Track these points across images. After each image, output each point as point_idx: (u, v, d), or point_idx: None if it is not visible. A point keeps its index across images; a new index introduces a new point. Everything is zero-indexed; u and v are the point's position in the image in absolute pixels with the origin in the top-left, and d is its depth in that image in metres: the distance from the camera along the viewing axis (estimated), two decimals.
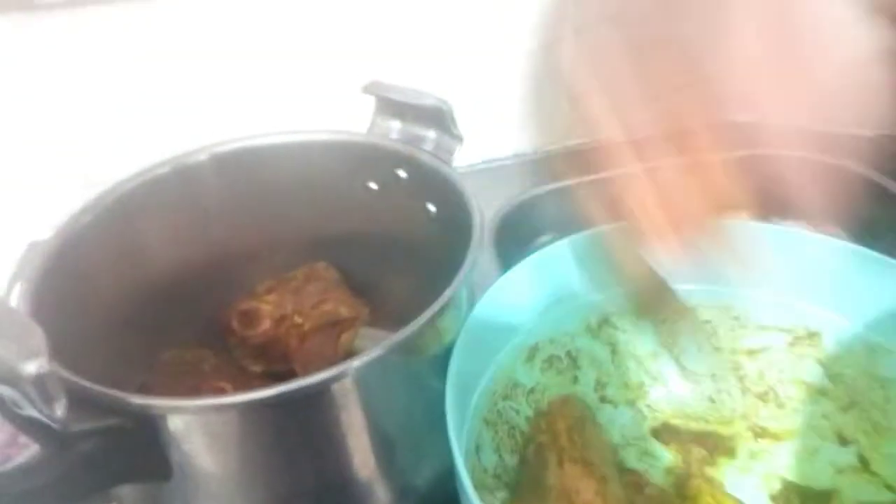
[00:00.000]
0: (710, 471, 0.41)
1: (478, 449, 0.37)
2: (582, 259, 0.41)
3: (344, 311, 0.48)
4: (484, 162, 0.68)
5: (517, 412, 0.40)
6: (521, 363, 0.40)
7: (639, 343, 0.44)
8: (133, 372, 0.42)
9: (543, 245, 0.63)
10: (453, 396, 0.33)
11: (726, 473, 0.41)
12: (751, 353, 0.42)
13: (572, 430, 0.39)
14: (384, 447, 0.36)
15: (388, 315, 0.48)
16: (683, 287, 0.41)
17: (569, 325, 0.42)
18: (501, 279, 0.39)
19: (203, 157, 0.44)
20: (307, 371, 0.44)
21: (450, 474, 0.38)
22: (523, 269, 0.40)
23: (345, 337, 0.46)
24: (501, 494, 0.38)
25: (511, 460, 0.39)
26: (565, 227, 0.65)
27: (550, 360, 0.42)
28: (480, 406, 0.38)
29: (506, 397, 0.39)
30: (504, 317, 0.39)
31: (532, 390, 0.41)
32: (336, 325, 0.48)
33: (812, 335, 0.40)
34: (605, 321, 0.43)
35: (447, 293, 0.34)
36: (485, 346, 0.38)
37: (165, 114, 0.59)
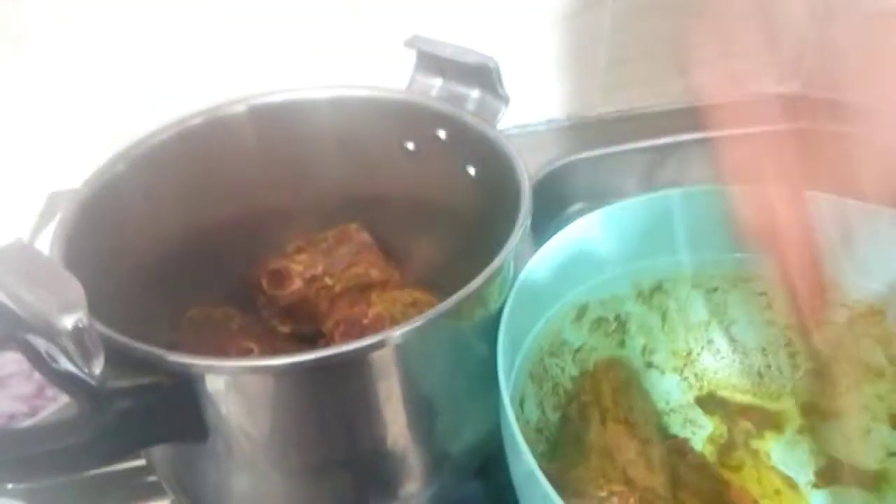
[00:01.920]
0: (755, 444, 0.40)
1: (522, 402, 0.37)
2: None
3: (375, 275, 0.47)
4: (516, 127, 0.66)
5: (562, 370, 0.40)
6: (569, 322, 0.40)
7: (690, 311, 0.43)
8: (159, 329, 0.41)
9: (575, 214, 0.62)
10: (504, 347, 0.32)
11: (772, 447, 0.40)
12: None
13: (617, 392, 0.39)
14: (423, 414, 0.35)
15: (420, 280, 0.47)
16: (739, 256, 0.40)
17: (620, 288, 0.41)
18: (557, 236, 0.38)
19: (239, 109, 0.42)
20: (335, 334, 0.44)
21: (485, 442, 0.38)
22: (579, 228, 0.39)
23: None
24: (542, 448, 0.38)
25: (553, 416, 0.39)
26: (598, 196, 0.64)
27: (599, 322, 0.41)
28: (527, 361, 0.37)
29: (552, 354, 0.39)
30: (557, 275, 0.38)
31: (579, 350, 0.40)
32: (367, 289, 0.46)
33: (874, 313, 0.39)
34: (657, 287, 0.42)
35: (497, 261, 0.33)
36: (536, 302, 0.37)
37: (197, 66, 0.57)
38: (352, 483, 0.35)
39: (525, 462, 0.28)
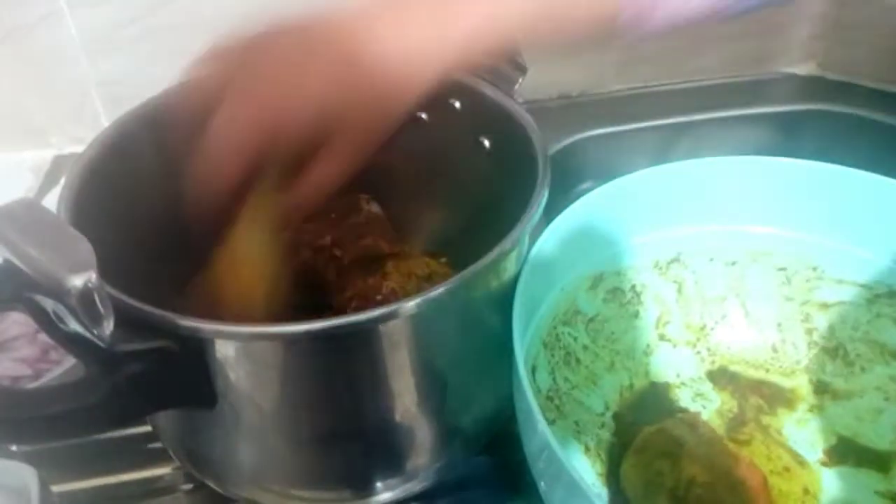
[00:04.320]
0: (766, 420, 0.40)
1: (534, 370, 0.37)
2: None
3: (384, 247, 0.46)
4: (526, 102, 0.65)
5: (575, 339, 0.40)
6: (583, 291, 0.40)
7: (706, 285, 0.43)
8: (164, 293, 0.40)
9: (584, 192, 0.62)
10: (519, 314, 0.32)
11: (783, 424, 0.40)
12: (824, 306, 0.41)
13: None
14: (433, 387, 0.35)
15: (429, 253, 0.47)
16: (762, 231, 0.40)
17: (637, 259, 0.41)
18: (574, 205, 0.38)
19: None
20: (343, 305, 0.43)
21: (495, 416, 0.38)
22: (596, 198, 0.39)
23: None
24: (552, 416, 0.38)
25: (565, 385, 0.39)
26: (608, 174, 0.64)
27: (614, 292, 0.41)
28: (540, 329, 0.37)
29: (565, 323, 0.39)
30: (573, 244, 0.38)
31: (592, 319, 0.40)
32: (375, 261, 0.46)
33: (894, 294, 0.38)
34: (674, 259, 0.42)
35: (514, 233, 0.32)
36: (551, 271, 0.37)
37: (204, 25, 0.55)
38: (359, 455, 0.35)
39: (540, 433, 0.28)
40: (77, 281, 0.25)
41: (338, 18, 0.33)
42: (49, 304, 0.27)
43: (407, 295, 0.41)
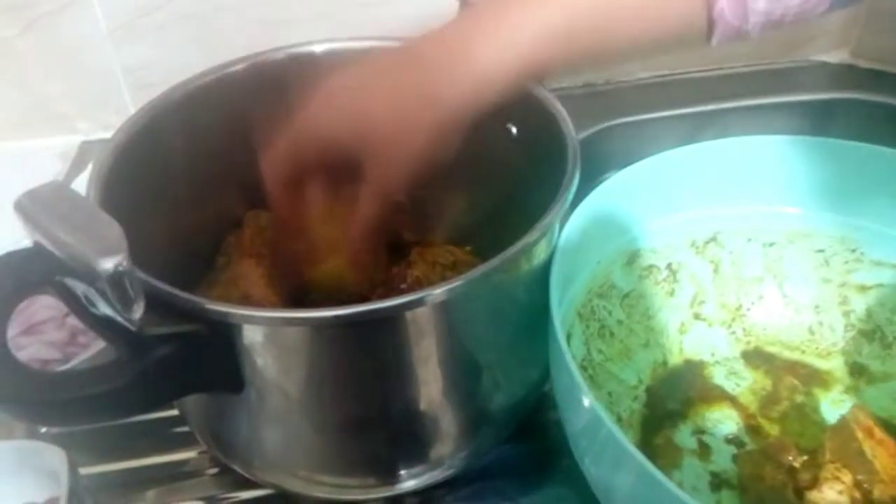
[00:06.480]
0: (800, 398, 0.40)
1: (568, 337, 0.37)
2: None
3: (407, 236, 0.46)
4: (552, 91, 0.64)
5: (610, 313, 0.40)
6: (619, 266, 0.40)
7: (743, 265, 0.43)
8: (192, 277, 0.40)
9: None
10: (556, 285, 0.32)
11: (818, 404, 0.40)
12: (862, 288, 0.41)
13: None
14: (460, 374, 0.34)
15: (452, 242, 0.46)
16: (801, 212, 0.40)
17: (674, 237, 0.41)
18: (611, 180, 0.38)
19: (279, 56, 0.41)
20: (372, 296, 0.43)
21: (523, 403, 0.37)
22: (633, 173, 0.39)
23: None
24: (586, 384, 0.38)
25: (598, 357, 0.39)
26: (634, 163, 0.63)
27: (650, 270, 0.41)
28: (574, 301, 0.38)
29: (601, 296, 0.39)
30: (610, 219, 0.38)
31: (627, 295, 0.40)
32: (399, 250, 0.46)
33: None
34: (711, 238, 0.42)
35: (544, 221, 0.32)
36: (587, 244, 0.37)
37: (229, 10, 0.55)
38: (384, 442, 0.35)
39: (587, 408, 0.28)
40: (108, 264, 0.25)
41: (420, 39, 0.34)
42: (79, 287, 0.28)
43: (431, 283, 0.41)
